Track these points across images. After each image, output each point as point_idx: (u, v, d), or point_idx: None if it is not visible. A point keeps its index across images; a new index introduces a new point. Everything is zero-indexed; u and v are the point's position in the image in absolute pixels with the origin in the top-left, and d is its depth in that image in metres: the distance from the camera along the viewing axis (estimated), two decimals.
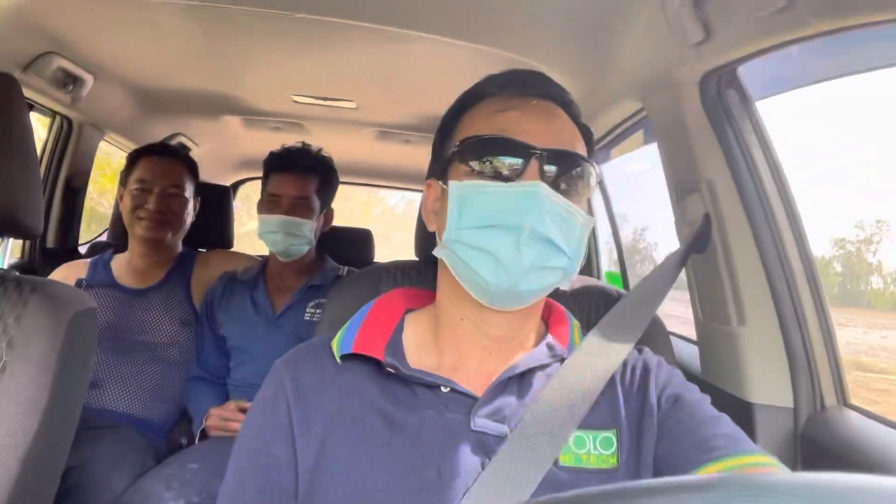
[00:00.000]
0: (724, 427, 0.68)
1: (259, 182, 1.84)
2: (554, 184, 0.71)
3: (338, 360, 0.77)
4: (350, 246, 2.60)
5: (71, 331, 0.95)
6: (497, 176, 0.71)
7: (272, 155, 1.77)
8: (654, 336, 0.95)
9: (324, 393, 0.75)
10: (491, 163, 0.71)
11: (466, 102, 0.80)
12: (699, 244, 1.25)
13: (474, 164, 0.72)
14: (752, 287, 1.21)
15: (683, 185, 1.32)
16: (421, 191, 1.06)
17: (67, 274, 1.82)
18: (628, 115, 1.69)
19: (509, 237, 0.68)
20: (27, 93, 1.75)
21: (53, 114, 2.08)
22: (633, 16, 1.21)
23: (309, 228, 1.71)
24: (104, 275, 1.82)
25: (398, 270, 1.06)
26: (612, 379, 0.76)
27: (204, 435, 1.63)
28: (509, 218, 0.69)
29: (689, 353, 1.50)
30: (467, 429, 0.70)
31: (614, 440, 0.72)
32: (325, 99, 2.18)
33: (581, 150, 0.76)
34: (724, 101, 1.21)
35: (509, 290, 0.70)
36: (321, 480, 0.69)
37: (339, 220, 1.95)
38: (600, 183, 2.38)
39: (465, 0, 1.29)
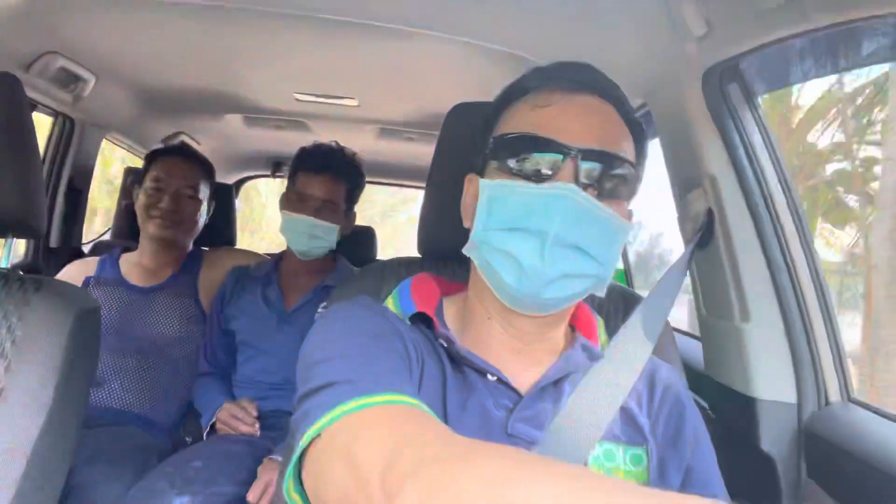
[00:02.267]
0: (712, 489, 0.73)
1: (260, 180, 1.83)
2: (591, 186, 0.67)
3: (407, 321, 0.75)
4: (352, 243, 2.60)
5: (75, 329, 0.96)
6: (531, 176, 0.67)
7: (305, 152, 1.75)
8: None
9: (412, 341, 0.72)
10: (524, 162, 0.68)
11: (510, 96, 0.76)
12: (702, 240, 1.25)
13: (506, 163, 0.69)
14: (756, 283, 1.20)
15: (686, 180, 1.32)
16: (423, 188, 1.05)
17: (77, 271, 1.83)
18: None
19: (533, 242, 0.65)
20: (29, 93, 1.75)
21: (56, 113, 2.08)
22: (635, 11, 1.21)
23: (333, 231, 1.71)
24: (112, 272, 1.83)
25: (401, 268, 1.06)
26: (639, 394, 0.76)
27: (212, 430, 1.64)
28: (534, 222, 0.65)
29: (693, 349, 1.50)
30: (504, 430, 0.69)
31: (645, 457, 0.71)
32: (328, 97, 2.18)
33: (627, 149, 0.72)
34: (726, 95, 1.20)
35: (533, 296, 0.67)
36: None
37: None
38: None
39: None
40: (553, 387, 0.73)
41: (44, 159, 2.15)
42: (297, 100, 2.23)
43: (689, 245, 1.19)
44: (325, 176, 1.70)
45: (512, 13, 1.35)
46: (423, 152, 2.71)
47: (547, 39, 1.44)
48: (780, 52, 1.05)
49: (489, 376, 0.71)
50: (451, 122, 1.02)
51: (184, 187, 1.82)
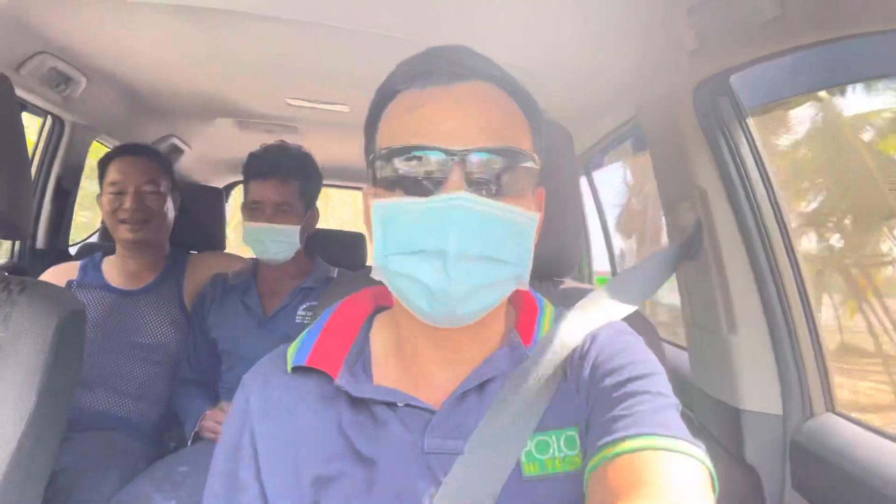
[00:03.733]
0: (638, 404, 0.60)
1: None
2: (486, 184, 0.61)
3: (288, 369, 0.71)
4: (342, 249, 2.59)
5: (59, 332, 0.95)
6: (417, 189, 0.61)
7: (251, 158, 1.73)
8: (645, 342, 0.95)
9: (291, 410, 0.70)
10: (407, 176, 0.62)
11: (382, 101, 0.70)
12: (690, 251, 1.25)
13: (390, 179, 0.63)
14: (743, 295, 1.21)
15: (675, 192, 1.33)
16: None
17: (57, 275, 1.80)
18: (622, 122, 1.70)
19: (435, 263, 0.60)
20: (19, 92, 1.74)
21: (45, 114, 2.07)
22: (628, 24, 1.22)
23: (293, 233, 1.68)
24: (95, 276, 1.81)
25: None
26: (571, 371, 0.69)
27: (196, 438, 1.62)
28: (431, 241, 0.60)
29: (683, 360, 1.50)
30: (422, 451, 0.64)
31: (577, 438, 0.65)
32: (319, 102, 2.18)
33: (519, 133, 0.66)
34: (717, 109, 1.21)
35: (449, 315, 0.63)
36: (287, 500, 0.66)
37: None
38: (592, 188, 2.39)
39: (459, 5, 1.29)
40: (478, 391, 0.68)
41: (32, 159, 2.13)
42: (289, 105, 2.23)
43: (670, 249, 1.18)
44: (276, 179, 1.68)
45: (506, 25, 1.35)
46: None
47: (540, 51, 1.45)
48: (771, 67, 1.06)
49: (399, 404, 0.67)
50: None
51: (143, 184, 1.78)
